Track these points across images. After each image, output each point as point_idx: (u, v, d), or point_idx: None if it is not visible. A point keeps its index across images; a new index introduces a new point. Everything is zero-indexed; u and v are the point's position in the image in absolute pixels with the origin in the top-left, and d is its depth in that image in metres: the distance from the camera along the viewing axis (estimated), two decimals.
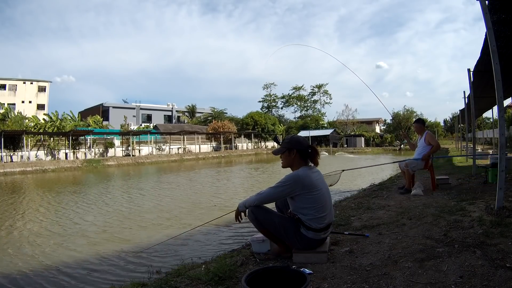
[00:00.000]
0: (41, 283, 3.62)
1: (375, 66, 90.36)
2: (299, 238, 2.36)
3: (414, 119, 7.24)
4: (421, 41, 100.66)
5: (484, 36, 4.16)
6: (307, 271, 2.10)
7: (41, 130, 25.29)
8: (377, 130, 51.96)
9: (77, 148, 24.88)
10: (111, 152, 26.43)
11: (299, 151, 2.43)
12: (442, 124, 53.14)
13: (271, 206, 2.60)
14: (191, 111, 54.94)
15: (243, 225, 4.90)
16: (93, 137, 26.37)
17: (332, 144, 41.72)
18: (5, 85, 41.18)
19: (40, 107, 42.46)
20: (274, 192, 2.39)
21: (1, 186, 13.05)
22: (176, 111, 57.62)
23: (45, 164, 20.14)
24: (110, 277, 3.65)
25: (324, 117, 56.44)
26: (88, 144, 25.94)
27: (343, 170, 4.57)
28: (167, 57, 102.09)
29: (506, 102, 22.16)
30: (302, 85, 60.97)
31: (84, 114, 35.41)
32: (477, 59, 5.43)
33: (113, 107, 50.04)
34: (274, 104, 62.32)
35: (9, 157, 21.05)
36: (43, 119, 29.08)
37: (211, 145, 36.25)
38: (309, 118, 53.02)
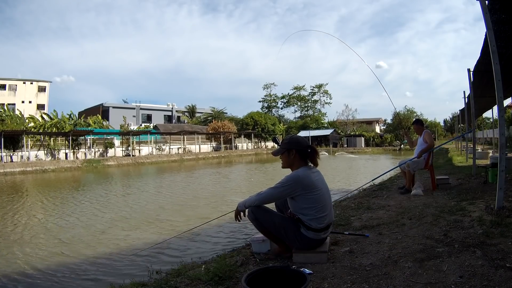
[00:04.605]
0: (40, 283, 3.62)
1: (375, 66, 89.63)
2: (299, 238, 2.36)
3: (413, 119, 7.24)
4: (421, 41, 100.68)
5: (484, 36, 4.16)
6: (307, 271, 2.10)
7: (40, 130, 25.29)
8: (377, 130, 51.96)
9: (77, 148, 24.88)
10: (111, 152, 26.43)
11: (298, 151, 2.43)
12: (442, 124, 53.15)
13: (271, 206, 2.60)
14: (191, 111, 54.92)
15: (243, 225, 4.91)
16: (93, 137, 26.38)
17: (332, 144, 41.71)
18: (5, 85, 41.23)
19: (40, 107, 42.47)
20: (274, 193, 2.39)
21: (0, 186, 13.05)
22: (176, 111, 57.60)
23: (45, 164, 20.14)
24: (109, 276, 3.65)
25: (325, 117, 56.47)
26: (88, 144, 25.95)
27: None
28: (167, 57, 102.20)
29: (506, 102, 22.18)
30: (303, 85, 61.05)
31: (84, 114, 35.38)
32: (477, 59, 5.43)
33: (113, 107, 49.99)
34: (274, 104, 62.27)
35: (9, 157, 21.05)
36: (41, 116, 29.01)
37: (211, 145, 36.25)
38: (309, 118, 52.98)
